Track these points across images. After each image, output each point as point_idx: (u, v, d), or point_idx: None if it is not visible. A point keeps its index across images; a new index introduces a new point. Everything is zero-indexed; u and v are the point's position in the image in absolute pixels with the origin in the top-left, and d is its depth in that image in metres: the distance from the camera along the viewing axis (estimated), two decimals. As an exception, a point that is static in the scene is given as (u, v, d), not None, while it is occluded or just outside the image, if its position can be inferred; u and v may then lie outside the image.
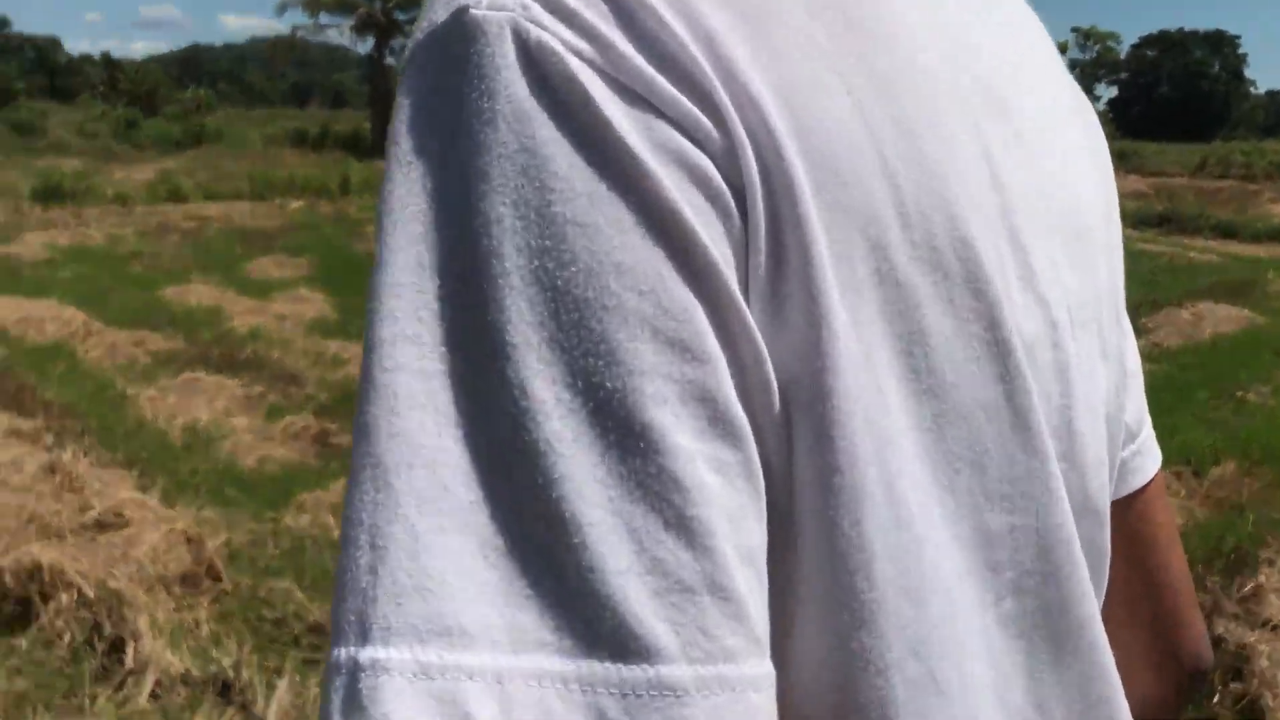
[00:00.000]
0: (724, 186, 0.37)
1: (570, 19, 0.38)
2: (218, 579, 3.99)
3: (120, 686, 3.36)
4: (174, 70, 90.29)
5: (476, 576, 0.32)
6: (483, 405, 0.34)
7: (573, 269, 0.34)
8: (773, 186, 0.38)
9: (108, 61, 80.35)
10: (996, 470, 0.43)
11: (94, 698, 3.30)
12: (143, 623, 3.50)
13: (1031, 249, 0.45)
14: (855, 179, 0.40)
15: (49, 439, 5.68)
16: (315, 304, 10.23)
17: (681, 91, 0.37)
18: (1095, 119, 0.58)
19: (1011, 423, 0.43)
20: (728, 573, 0.33)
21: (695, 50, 0.38)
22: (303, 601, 3.87)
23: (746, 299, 0.37)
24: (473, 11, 0.38)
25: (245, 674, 3.34)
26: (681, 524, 0.33)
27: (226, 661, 3.42)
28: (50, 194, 18.88)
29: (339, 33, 39.45)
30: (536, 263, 0.35)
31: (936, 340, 0.41)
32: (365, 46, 39.05)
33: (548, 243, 0.34)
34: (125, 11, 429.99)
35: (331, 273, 12.25)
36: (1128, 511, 0.61)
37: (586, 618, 0.32)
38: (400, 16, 38.54)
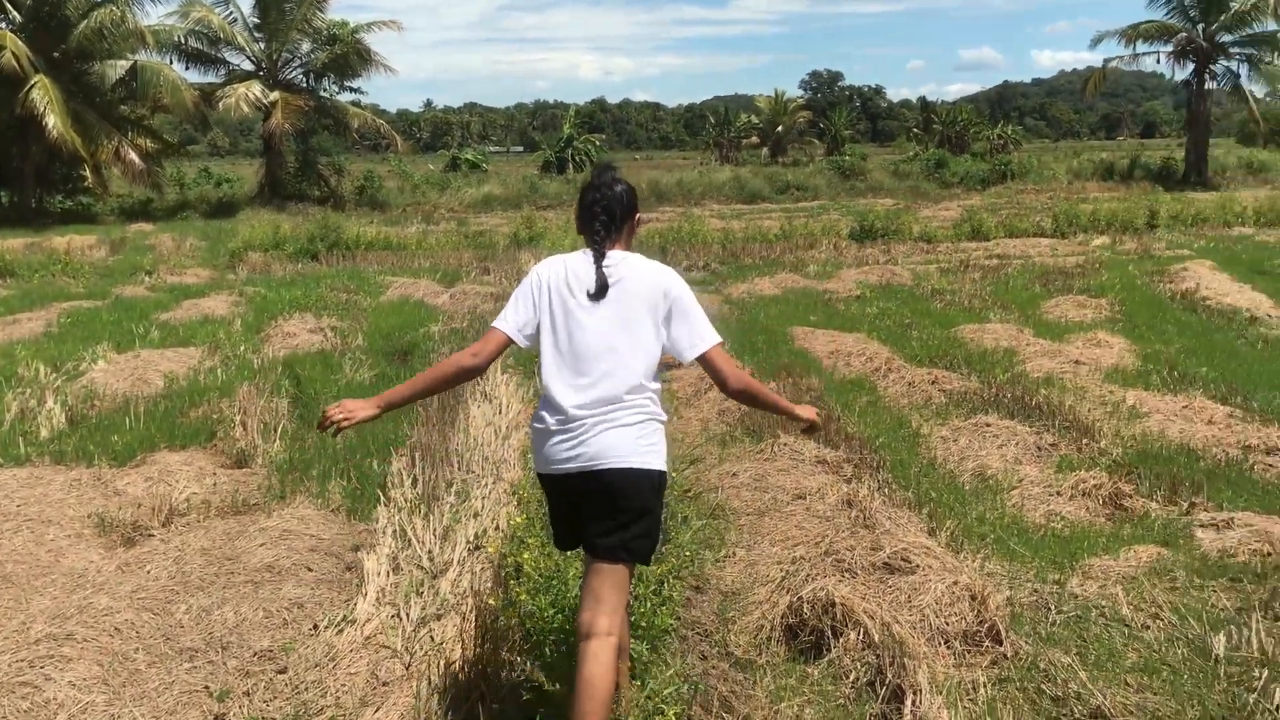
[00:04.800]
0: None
1: None
2: (998, 641, 3.88)
3: (896, 736, 3.41)
4: (985, 109, 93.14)
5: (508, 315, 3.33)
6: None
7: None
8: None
9: (923, 105, 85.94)
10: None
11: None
12: (922, 676, 3.51)
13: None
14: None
15: (848, 470, 6.09)
16: (1114, 349, 9.68)
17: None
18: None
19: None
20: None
21: None
22: (1084, 682, 3.59)
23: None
24: None
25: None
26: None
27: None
28: (865, 233, 20.60)
29: (1154, 60, 37.52)
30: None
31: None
32: (1183, 73, 36.70)
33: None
34: (945, 57, 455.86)
35: (1133, 316, 11.55)
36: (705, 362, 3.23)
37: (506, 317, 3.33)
38: (1226, 39, 35.68)
